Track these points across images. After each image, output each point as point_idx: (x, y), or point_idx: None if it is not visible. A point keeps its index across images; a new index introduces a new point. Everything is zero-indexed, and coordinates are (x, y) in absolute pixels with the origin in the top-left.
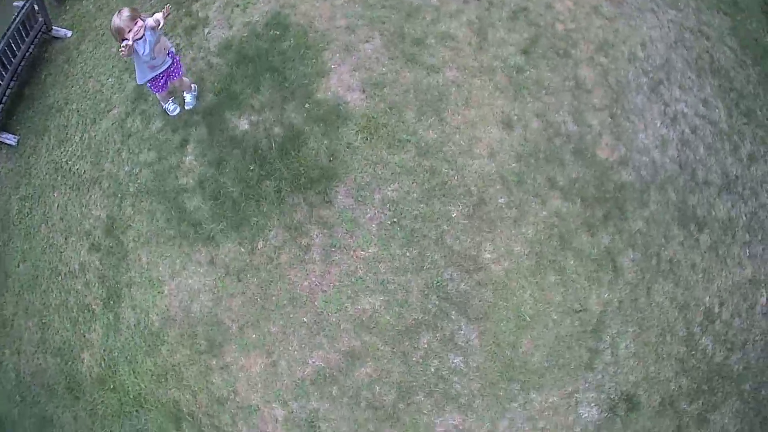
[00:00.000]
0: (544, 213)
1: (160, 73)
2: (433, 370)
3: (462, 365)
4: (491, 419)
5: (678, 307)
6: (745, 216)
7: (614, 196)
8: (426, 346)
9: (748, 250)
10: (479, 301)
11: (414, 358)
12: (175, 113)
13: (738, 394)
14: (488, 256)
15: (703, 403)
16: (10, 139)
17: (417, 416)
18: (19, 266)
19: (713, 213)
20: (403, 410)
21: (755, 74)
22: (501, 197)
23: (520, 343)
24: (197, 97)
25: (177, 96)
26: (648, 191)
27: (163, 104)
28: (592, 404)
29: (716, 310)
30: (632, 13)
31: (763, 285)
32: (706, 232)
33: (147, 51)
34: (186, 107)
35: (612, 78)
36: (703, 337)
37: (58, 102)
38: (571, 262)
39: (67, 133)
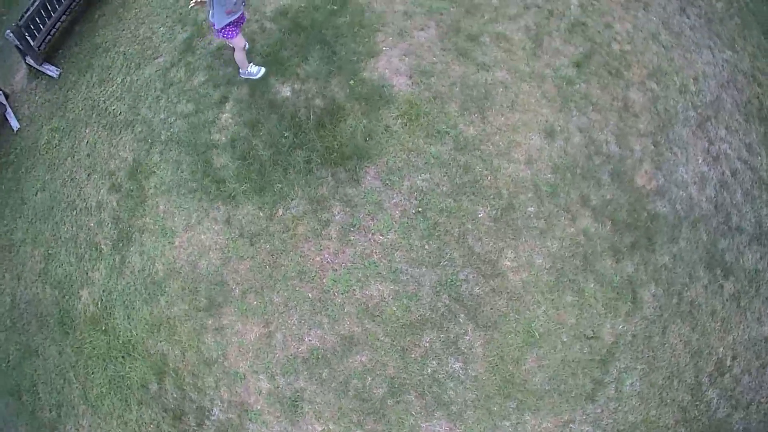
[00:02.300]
0: (572, 230)
1: (233, 20)
2: (429, 371)
3: (460, 372)
4: None
5: (691, 352)
6: None
7: (645, 225)
8: (427, 345)
9: None
10: (491, 309)
11: (413, 355)
12: (260, 74)
13: None
14: (508, 263)
15: None
16: (52, 70)
17: (404, 416)
18: (37, 195)
19: (741, 262)
20: (391, 407)
21: None
22: (531, 206)
23: (525, 360)
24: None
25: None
26: (680, 227)
27: (244, 72)
28: None
29: (728, 363)
30: (689, 46)
31: None
32: (731, 280)
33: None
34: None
35: (661, 106)
36: (710, 389)
37: (106, 42)
38: (591, 286)
39: (109, 74)
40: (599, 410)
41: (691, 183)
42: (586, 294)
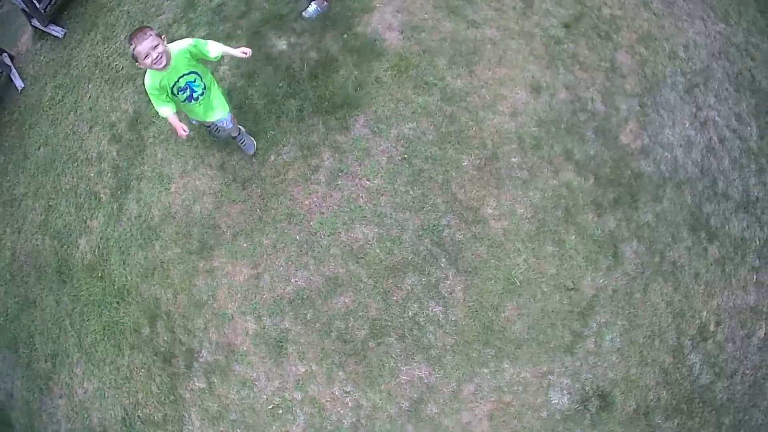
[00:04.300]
0: (555, 182)
1: None
2: (410, 314)
3: (441, 316)
4: (458, 379)
5: (673, 313)
6: (759, 240)
7: (629, 182)
8: (409, 287)
9: (755, 277)
10: (471, 255)
11: (394, 298)
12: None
13: (716, 426)
14: (490, 211)
15: (678, 424)
16: (57, 31)
17: (384, 358)
18: (39, 149)
19: (727, 228)
20: (372, 349)
21: None
22: (514, 156)
23: (504, 307)
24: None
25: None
26: (664, 187)
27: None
28: (564, 391)
29: (711, 328)
30: (681, 16)
31: (764, 317)
32: (716, 244)
33: None
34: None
35: (649, 69)
36: (693, 353)
37: (110, 2)
38: (572, 238)
39: (113, 32)
40: (578, 363)
41: (677, 145)
42: (567, 245)
